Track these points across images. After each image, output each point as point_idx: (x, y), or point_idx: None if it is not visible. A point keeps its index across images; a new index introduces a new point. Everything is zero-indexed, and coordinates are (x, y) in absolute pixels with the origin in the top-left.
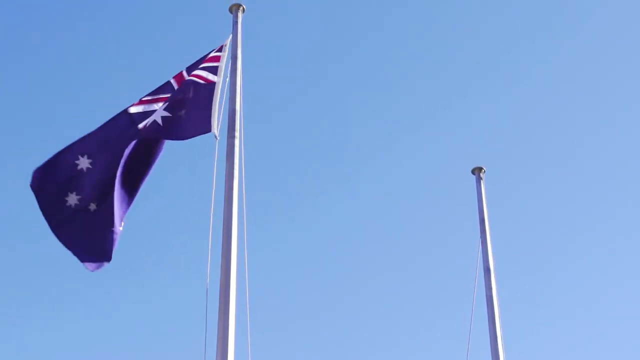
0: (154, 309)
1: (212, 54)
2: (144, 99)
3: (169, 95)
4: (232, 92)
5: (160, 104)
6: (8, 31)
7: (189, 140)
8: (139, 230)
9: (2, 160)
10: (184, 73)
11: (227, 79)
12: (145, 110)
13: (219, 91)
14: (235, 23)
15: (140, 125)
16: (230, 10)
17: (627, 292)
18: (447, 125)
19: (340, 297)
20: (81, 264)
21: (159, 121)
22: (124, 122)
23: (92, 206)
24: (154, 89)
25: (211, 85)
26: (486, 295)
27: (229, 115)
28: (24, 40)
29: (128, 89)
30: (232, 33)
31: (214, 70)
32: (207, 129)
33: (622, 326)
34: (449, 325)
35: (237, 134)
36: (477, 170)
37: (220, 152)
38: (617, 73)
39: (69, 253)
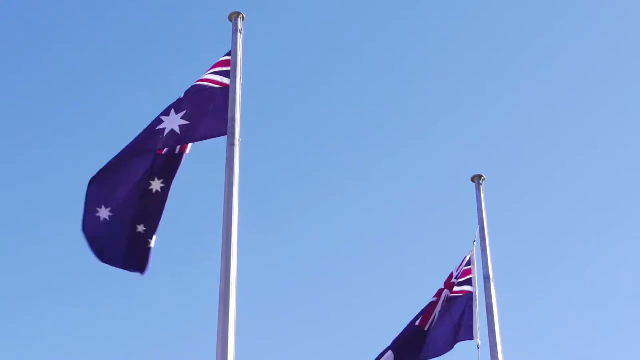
0: (158, 312)
1: (221, 59)
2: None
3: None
4: (232, 99)
5: (177, 114)
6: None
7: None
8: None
9: (4, 161)
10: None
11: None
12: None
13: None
14: (235, 31)
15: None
16: (230, 18)
17: (629, 299)
18: (447, 134)
19: (340, 302)
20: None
21: (177, 130)
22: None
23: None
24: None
25: (226, 88)
26: (486, 304)
27: (228, 122)
28: (23, 52)
29: (127, 97)
30: (232, 41)
31: (226, 74)
32: (223, 131)
33: (624, 333)
34: None
35: (236, 141)
36: (476, 178)
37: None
38: (618, 80)
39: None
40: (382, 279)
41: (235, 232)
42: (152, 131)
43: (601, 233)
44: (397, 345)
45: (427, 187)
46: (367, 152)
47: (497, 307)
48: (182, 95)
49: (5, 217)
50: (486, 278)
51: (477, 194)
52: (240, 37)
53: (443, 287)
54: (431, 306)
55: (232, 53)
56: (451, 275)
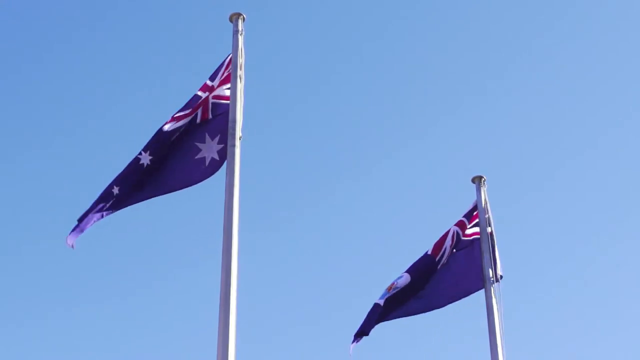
0: (158, 312)
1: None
2: (176, 115)
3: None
4: (233, 100)
5: (213, 140)
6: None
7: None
8: (143, 232)
9: (4, 161)
10: (211, 83)
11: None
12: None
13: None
14: (235, 32)
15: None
16: (231, 19)
17: (629, 299)
18: (447, 134)
19: (341, 303)
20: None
21: (216, 157)
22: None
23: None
24: (184, 104)
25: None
26: (486, 305)
27: (229, 123)
28: (23, 52)
29: (127, 97)
30: (233, 42)
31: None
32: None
33: (624, 333)
34: (448, 334)
35: (237, 142)
36: (477, 179)
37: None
38: (618, 80)
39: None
40: (382, 279)
41: (236, 233)
42: (191, 161)
43: (601, 233)
44: (413, 270)
45: (427, 188)
46: (367, 152)
47: (497, 309)
48: (210, 117)
49: (5, 217)
50: (487, 279)
51: (477, 195)
52: (241, 39)
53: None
54: (442, 238)
55: (233, 54)
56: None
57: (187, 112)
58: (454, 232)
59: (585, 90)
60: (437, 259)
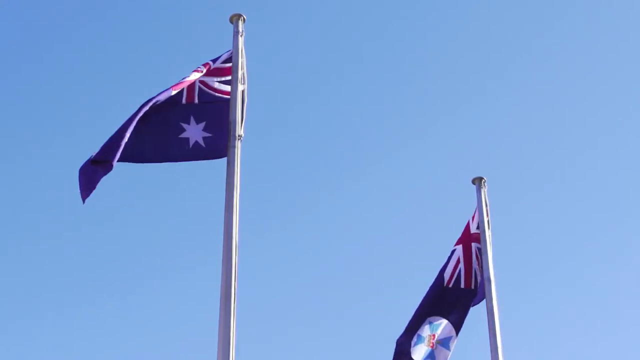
0: (159, 312)
1: (228, 65)
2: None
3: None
4: (233, 100)
5: (198, 124)
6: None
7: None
8: (144, 232)
9: (4, 161)
10: (197, 82)
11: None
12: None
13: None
14: (235, 33)
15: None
16: (231, 20)
17: (629, 299)
18: (447, 134)
19: (341, 303)
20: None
21: (202, 142)
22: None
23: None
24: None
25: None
26: (487, 306)
27: (230, 124)
28: (23, 52)
29: (127, 97)
30: (233, 43)
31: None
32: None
33: (624, 333)
34: None
35: (237, 142)
36: (477, 180)
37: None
38: (618, 80)
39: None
40: (382, 280)
41: (236, 233)
42: (173, 138)
43: (601, 233)
44: (449, 313)
45: (427, 189)
46: (367, 152)
47: (498, 310)
48: (196, 102)
49: (5, 217)
50: (487, 280)
51: (477, 196)
52: (241, 40)
53: (464, 239)
54: (467, 264)
55: (233, 55)
56: (468, 229)
57: (181, 83)
58: (476, 250)
59: (585, 90)
60: (472, 287)
